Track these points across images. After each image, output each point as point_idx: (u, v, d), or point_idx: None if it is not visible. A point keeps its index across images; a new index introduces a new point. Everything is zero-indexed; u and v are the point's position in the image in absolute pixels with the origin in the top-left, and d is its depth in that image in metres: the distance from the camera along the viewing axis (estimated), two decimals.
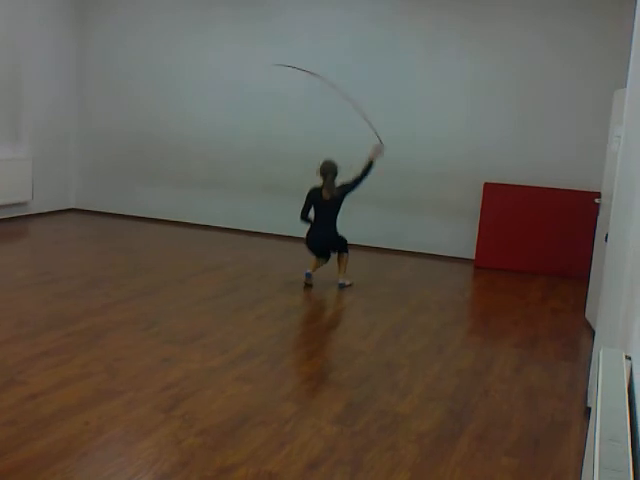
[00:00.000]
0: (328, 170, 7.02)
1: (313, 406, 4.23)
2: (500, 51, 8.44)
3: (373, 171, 7.08)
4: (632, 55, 4.23)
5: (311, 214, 7.16)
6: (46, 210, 10.14)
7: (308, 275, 7.03)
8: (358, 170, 7.05)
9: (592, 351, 4.71)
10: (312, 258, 7.16)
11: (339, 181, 7.10)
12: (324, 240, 7.12)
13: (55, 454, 3.43)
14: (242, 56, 9.50)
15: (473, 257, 8.56)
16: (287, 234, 9.28)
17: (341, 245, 7.21)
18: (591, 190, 7.58)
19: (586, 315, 6.47)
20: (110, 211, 10.41)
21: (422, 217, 8.96)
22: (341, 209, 7.12)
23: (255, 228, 9.63)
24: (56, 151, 10.26)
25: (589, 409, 4.16)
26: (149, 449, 3.55)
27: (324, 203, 7.06)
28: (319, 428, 3.92)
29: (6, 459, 3.35)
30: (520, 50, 8.36)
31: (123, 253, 8.14)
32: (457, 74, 8.64)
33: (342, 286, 7.17)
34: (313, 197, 7.10)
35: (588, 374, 4.73)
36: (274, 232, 9.50)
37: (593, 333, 5.08)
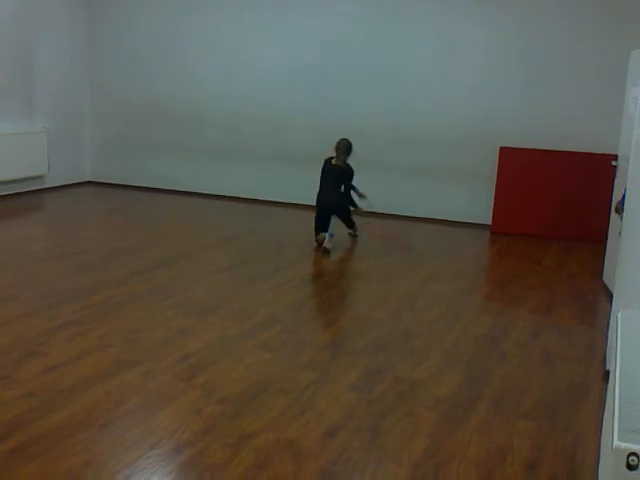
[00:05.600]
0: (342, 145, 7.47)
1: (331, 374, 4.24)
2: (514, 14, 8.32)
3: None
4: None
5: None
6: (62, 183, 10.15)
7: (331, 234, 7.14)
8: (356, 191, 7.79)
9: (610, 314, 4.70)
10: (321, 234, 7.25)
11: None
12: (327, 202, 7.40)
13: (76, 424, 3.47)
14: (256, 26, 9.42)
15: (489, 223, 8.52)
16: (302, 203, 9.25)
17: (342, 214, 7.56)
18: (607, 152, 7.51)
19: (604, 279, 6.44)
20: (126, 183, 10.42)
21: (437, 183, 8.91)
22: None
23: (270, 197, 9.61)
24: (71, 124, 10.26)
25: (608, 372, 4.15)
26: (169, 418, 3.58)
27: (331, 168, 7.46)
28: (337, 395, 3.94)
29: (28, 430, 3.39)
30: (534, 12, 8.23)
31: (140, 225, 8.17)
32: (470, 39, 8.53)
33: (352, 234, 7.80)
34: (325, 165, 7.50)
35: (606, 338, 4.72)
36: (289, 201, 9.48)
37: (611, 297, 5.06)
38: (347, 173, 7.53)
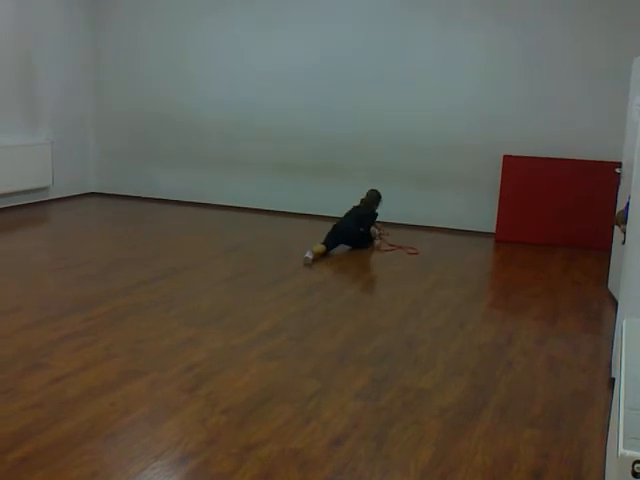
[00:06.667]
0: (372, 193, 8.04)
1: (336, 382, 4.24)
2: (515, 21, 8.33)
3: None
4: None
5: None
6: (66, 195, 10.19)
7: (308, 258, 7.08)
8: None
9: (615, 322, 4.69)
10: (319, 245, 7.28)
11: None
12: (344, 227, 7.63)
13: (82, 435, 3.47)
14: (256, 35, 9.46)
15: (493, 231, 8.52)
16: (305, 212, 9.27)
17: (358, 242, 7.76)
18: (611, 160, 7.50)
19: (609, 286, 6.43)
20: (130, 194, 10.45)
21: (441, 191, 8.92)
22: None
23: (273, 207, 9.63)
24: (74, 135, 10.30)
25: (613, 380, 4.15)
26: (174, 428, 3.58)
27: (357, 206, 7.92)
28: (343, 404, 3.93)
29: (34, 441, 3.39)
30: (536, 18, 8.24)
31: (144, 236, 8.18)
32: (472, 45, 8.55)
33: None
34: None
35: (612, 345, 4.71)
36: (292, 210, 9.49)
37: (616, 304, 5.05)
38: (367, 214, 7.87)
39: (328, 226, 7.62)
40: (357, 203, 7.93)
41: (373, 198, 7.99)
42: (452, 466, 3.33)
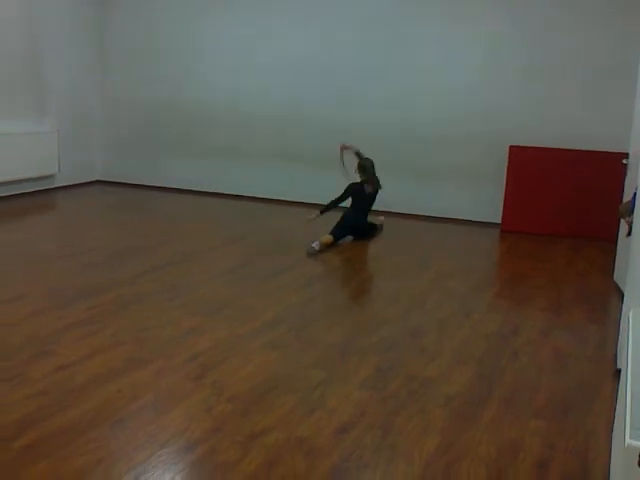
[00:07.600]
0: (368, 167, 7.68)
1: (341, 372, 4.24)
2: (520, 8, 8.30)
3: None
4: None
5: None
6: (72, 182, 10.19)
7: (313, 249, 7.02)
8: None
9: (621, 313, 4.68)
10: (326, 236, 7.23)
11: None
12: (356, 222, 7.61)
13: (87, 423, 3.47)
14: (263, 25, 9.44)
15: (499, 221, 8.51)
16: (310, 202, 9.26)
17: (366, 233, 7.78)
18: (618, 150, 7.47)
19: (615, 278, 6.42)
20: (136, 182, 10.45)
21: (447, 182, 8.90)
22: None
23: (278, 196, 9.63)
24: (81, 123, 10.30)
25: (619, 371, 4.14)
26: (180, 416, 3.58)
27: (366, 196, 7.66)
28: (348, 394, 3.93)
29: (39, 429, 3.40)
30: (541, 7, 8.21)
31: (149, 224, 8.18)
32: (475, 35, 8.51)
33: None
34: (354, 190, 7.63)
35: (617, 336, 4.70)
36: (297, 200, 9.49)
37: (622, 295, 5.04)
38: (377, 190, 7.75)
39: (332, 215, 7.59)
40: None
41: (373, 170, 7.71)
42: (457, 455, 3.33)
